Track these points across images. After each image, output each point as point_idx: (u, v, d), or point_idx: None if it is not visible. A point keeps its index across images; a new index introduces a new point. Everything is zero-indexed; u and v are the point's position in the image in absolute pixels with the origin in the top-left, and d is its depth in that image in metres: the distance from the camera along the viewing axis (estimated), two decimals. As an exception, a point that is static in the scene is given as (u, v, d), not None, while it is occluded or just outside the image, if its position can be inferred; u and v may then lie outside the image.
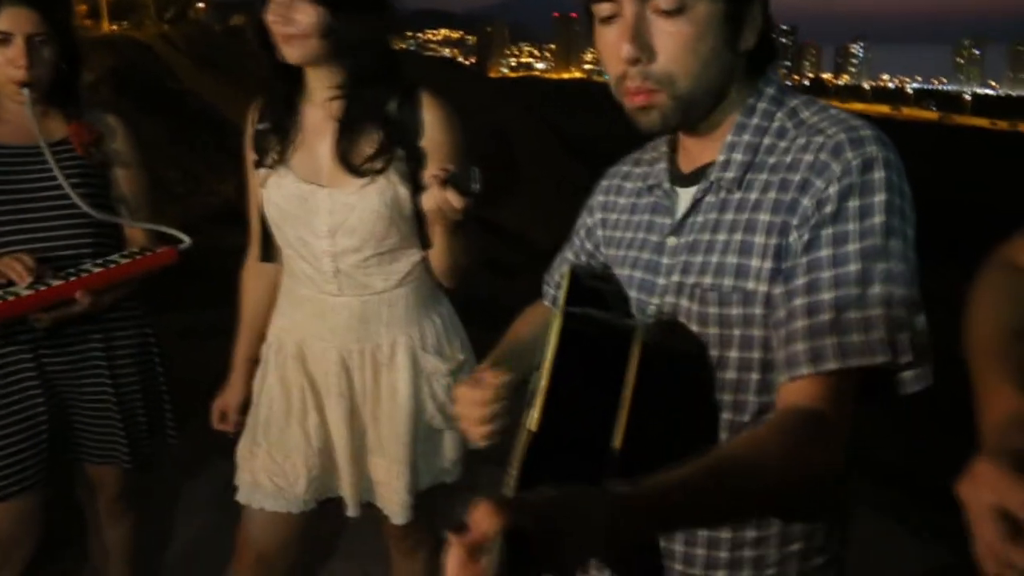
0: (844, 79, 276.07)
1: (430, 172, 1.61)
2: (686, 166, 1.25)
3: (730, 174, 1.16)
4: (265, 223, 2.01)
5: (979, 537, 0.72)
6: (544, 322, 1.27)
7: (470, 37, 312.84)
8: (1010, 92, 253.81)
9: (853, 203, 1.07)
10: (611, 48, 1.13)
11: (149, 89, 21.86)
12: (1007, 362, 0.91)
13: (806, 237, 1.09)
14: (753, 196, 1.14)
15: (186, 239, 2.12)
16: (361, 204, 1.84)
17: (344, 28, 1.76)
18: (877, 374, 1.07)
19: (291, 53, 1.78)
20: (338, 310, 1.94)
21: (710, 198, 1.18)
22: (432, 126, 1.86)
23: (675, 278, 1.20)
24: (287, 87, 1.90)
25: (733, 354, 1.15)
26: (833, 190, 1.07)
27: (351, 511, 2.02)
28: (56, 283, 1.95)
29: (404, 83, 1.88)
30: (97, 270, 2.03)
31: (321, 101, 1.88)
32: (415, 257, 1.95)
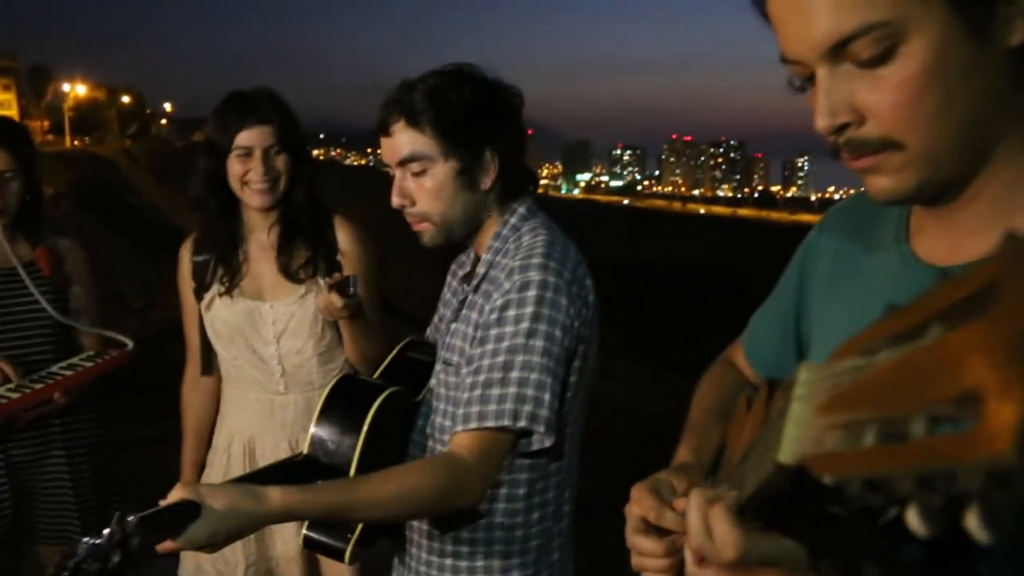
0: (792, 191, 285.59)
1: (325, 279, 1.97)
2: (476, 270, 1.73)
3: (475, 282, 1.67)
4: (205, 340, 2.31)
5: (628, 537, 1.01)
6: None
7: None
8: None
9: (510, 312, 1.52)
10: None
11: (109, 203, 21.94)
12: (693, 433, 1.19)
13: (479, 334, 1.57)
14: (477, 299, 1.64)
15: (129, 343, 2.42)
16: (300, 311, 2.20)
17: (302, 172, 2.19)
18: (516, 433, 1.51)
19: (265, 200, 2.15)
20: (286, 406, 2.25)
21: (470, 297, 1.68)
22: (344, 242, 2.26)
23: (443, 352, 1.71)
24: (232, 225, 2.24)
25: (451, 408, 1.64)
26: (499, 301, 1.54)
27: None
28: (39, 386, 2.24)
29: (322, 208, 2.27)
30: (69, 373, 2.32)
31: (260, 232, 2.24)
32: (342, 357, 2.28)
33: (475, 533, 1.63)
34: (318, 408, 1.64)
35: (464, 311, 1.68)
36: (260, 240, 2.24)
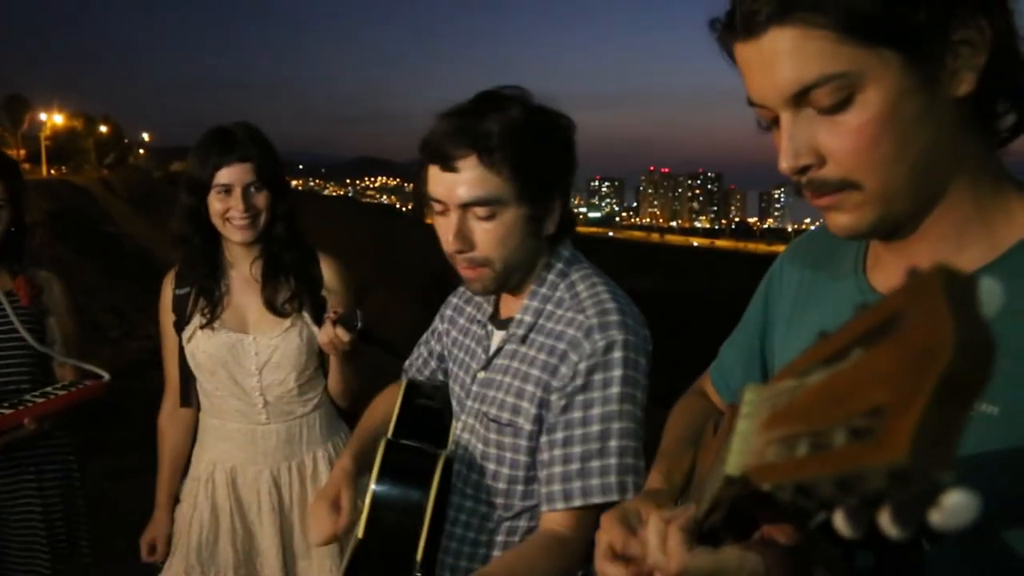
0: (769, 222, 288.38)
1: (327, 314, 1.96)
2: (503, 313, 1.63)
3: (520, 331, 1.54)
4: (184, 372, 2.32)
5: (596, 563, 1.04)
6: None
7: (407, 184, 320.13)
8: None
9: (598, 376, 1.42)
10: (442, 234, 1.50)
11: (86, 232, 21.80)
12: (664, 460, 1.21)
13: (563, 402, 1.45)
14: (532, 352, 1.51)
15: (105, 375, 2.42)
16: (284, 344, 2.22)
17: (281, 207, 2.20)
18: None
19: (246, 235, 2.17)
20: (268, 436, 2.28)
21: (508, 346, 1.56)
22: (328, 277, 2.29)
23: (475, 404, 1.59)
24: (214, 258, 2.26)
25: (504, 470, 1.54)
26: (583, 365, 1.43)
27: None
28: (8, 412, 2.23)
29: (304, 243, 2.30)
30: (41, 400, 2.30)
31: (243, 265, 2.27)
32: (322, 385, 2.33)
33: None
34: (372, 486, 1.50)
35: (503, 361, 1.56)
36: (243, 273, 2.27)
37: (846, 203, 0.88)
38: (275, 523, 2.26)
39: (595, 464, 1.42)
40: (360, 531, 1.50)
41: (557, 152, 1.48)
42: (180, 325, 2.28)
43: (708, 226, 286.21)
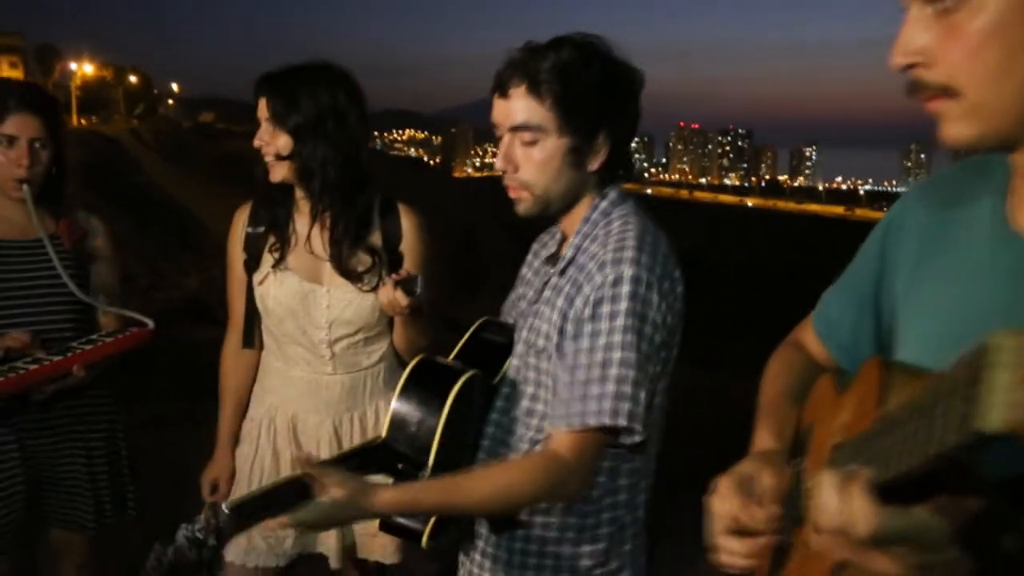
0: (800, 181, 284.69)
1: (392, 275, 1.95)
2: (561, 251, 1.72)
3: (562, 265, 1.66)
4: (250, 313, 2.27)
5: (713, 533, 1.02)
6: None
7: (435, 137, 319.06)
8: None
9: (605, 308, 1.52)
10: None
11: (115, 182, 21.95)
12: (772, 416, 1.21)
13: (573, 330, 1.57)
14: (563, 284, 1.63)
15: (150, 322, 2.35)
16: (359, 300, 2.17)
17: (312, 152, 2.08)
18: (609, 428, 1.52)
19: (273, 175, 2.13)
20: (332, 386, 2.24)
21: (552, 279, 1.68)
22: (409, 233, 2.22)
23: (526, 333, 1.70)
24: (284, 197, 2.20)
25: (541, 392, 1.65)
26: (592, 296, 1.54)
27: (335, 563, 2.25)
28: (56, 358, 2.18)
29: (381, 195, 2.21)
30: (89, 347, 2.25)
31: (307, 212, 2.18)
32: (388, 338, 2.28)
33: (548, 518, 1.64)
34: (397, 392, 1.65)
35: (547, 293, 1.68)
36: (310, 219, 2.19)
37: (949, 112, 0.87)
38: None
39: (594, 390, 1.52)
40: (384, 431, 1.65)
41: (608, 94, 1.58)
42: (252, 266, 2.22)
43: (737, 183, 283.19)
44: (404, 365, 2.25)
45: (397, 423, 1.64)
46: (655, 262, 1.55)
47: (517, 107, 1.58)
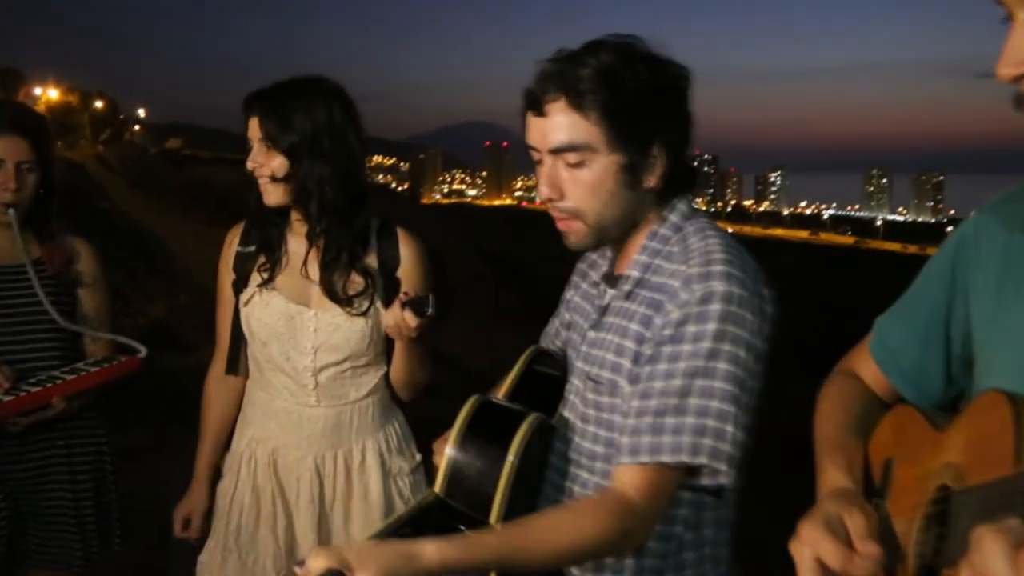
0: (765, 205, 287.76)
1: (399, 295, 1.83)
2: (617, 270, 1.53)
3: (627, 287, 1.45)
4: (236, 337, 2.16)
5: None
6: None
7: (403, 164, 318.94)
8: (916, 218, 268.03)
9: (690, 328, 1.31)
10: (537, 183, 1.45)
11: (80, 208, 21.67)
12: (838, 452, 1.12)
13: (650, 352, 1.36)
14: (634, 307, 1.43)
15: (142, 349, 2.25)
16: (347, 325, 2.04)
17: (309, 172, 1.97)
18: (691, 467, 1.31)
19: (267, 198, 2.02)
20: (315, 420, 2.09)
21: (615, 303, 1.47)
22: (408, 259, 2.10)
23: (582, 364, 1.50)
24: (278, 218, 2.09)
25: (603, 432, 1.44)
26: (676, 315, 1.33)
27: None
28: (35, 389, 2.09)
29: (378, 218, 2.11)
30: (70, 377, 2.15)
31: (301, 233, 2.08)
32: (382, 371, 2.13)
33: (620, 574, 1.43)
34: (453, 439, 1.42)
35: (609, 318, 1.47)
36: (303, 240, 2.08)
37: None
38: (313, 516, 2.08)
39: (669, 420, 1.30)
40: (437, 487, 1.42)
41: (658, 99, 1.38)
42: (239, 285, 2.11)
43: (704, 208, 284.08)
44: (398, 401, 2.20)
45: (454, 476, 1.41)
46: (747, 276, 1.34)
47: (557, 125, 1.37)
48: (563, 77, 1.35)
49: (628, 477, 1.32)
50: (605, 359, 1.44)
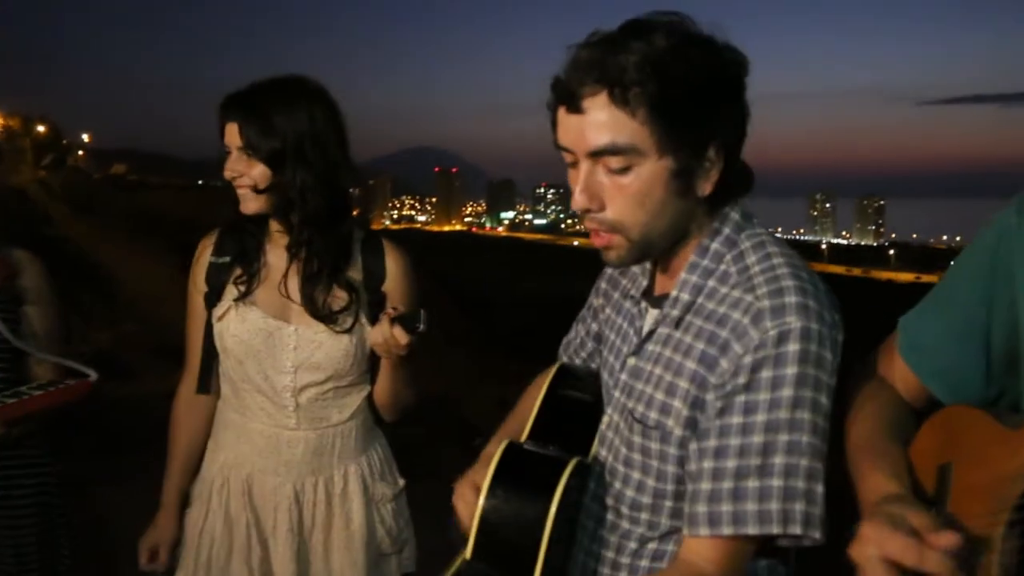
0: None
1: (385, 310, 1.74)
2: (658, 288, 1.35)
3: (675, 312, 1.26)
4: (208, 355, 2.02)
5: None
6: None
7: (354, 190, 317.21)
8: (859, 242, 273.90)
9: (766, 374, 1.13)
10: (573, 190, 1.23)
11: (23, 235, 21.21)
12: (881, 457, 1.07)
13: (720, 403, 1.17)
14: (688, 339, 1.23)
15: (92, 373, 2.02)
16: (330, 342, 1.91)
17: (292, 181, 1.84)
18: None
19: (246, 206, 1.87)
20: (294, 443, 1.96)
21: (662, 329, 1.28)
22: (394, 273, 1.98)
23: (622, 397, 1.32)
24: (254, 226, 1.96)
25: (650, 481, 1.27)
26: (749, 360, 1.14)
27: None
28: None
29: (362, 229, 1.99)
30: (12, 401, 1.91)
31: (280, 244, 1.96)
32: (365, 391, 2.02)
33: None
34: (484, 493, 1.24)
35: (655, 347, 1.28)
36: (283, 251, 1.96)
37: None
38: (291, 547, 1.95)
39: (752, 484, 1.13)
40: (468, 551, 1.25)
41: (715, 91, 1.17)
42: (213, 299, 1.96)
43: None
44: (382, 423, 2.10)
45: (487, 534, 1.24)
46: (823, 307, 1.16)
47: (598, 124, 1.16)
48: (604, 66, 1.14)
49: (704, 549, 1.16)
50: (653, 398, 1.25)
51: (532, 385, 1.57)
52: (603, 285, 1.52)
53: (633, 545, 1.30)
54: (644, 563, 1.30)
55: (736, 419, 1.15)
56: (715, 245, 1.25)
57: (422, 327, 1.65)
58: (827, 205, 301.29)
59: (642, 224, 1.20)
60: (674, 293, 1.27)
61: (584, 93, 1.16)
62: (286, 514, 1.95)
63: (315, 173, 1.85)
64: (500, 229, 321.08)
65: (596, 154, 1.18)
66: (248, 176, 1.84)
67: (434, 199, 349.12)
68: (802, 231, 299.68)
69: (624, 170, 1.17)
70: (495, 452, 1.27)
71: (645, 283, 1.37)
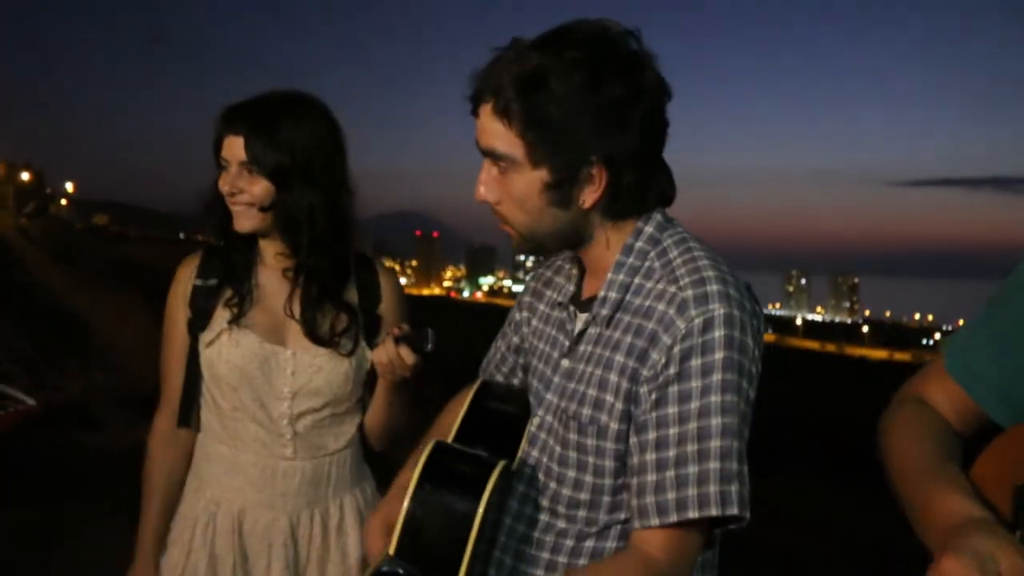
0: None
1: (387, 330, 1.71)
2: (586, 292, 1.40)
3: (605, 311, 1.31)
4: (190, 385, 1.90)
5: None
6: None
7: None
8: (834, 318, 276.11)
9: (695, 362, 1.19)
10: None
11: (-3, 281, 21.05)
12: (949, 479, 1.03)
13: (655, 395, 1.22)
14: (617, 335, 1.28)
15: (30, 400, 2.01)
16: (330, 367, 1.84)
17: (298, 200, 1.78)
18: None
19: (241, 224, 1.81)
20: (290, 474, 1.87)
21: (592, 329, 1.33)
22: (389, 294, 1.94)
23: (555, 398, 1.36)
24: (244, 245, 1.89)
25: (587, 477, 1.30)
26: (677, 349, 1.20)
27: None
28: None
29: (358, 253, 1.94)
30: None
31: (275, 265, 1.89)
32: (359, 418, 1.95)
33: None
34: (411, 491, 1.25)
35: (587, 347, 1.33)
36: (275, 273, 1.89)
37: None
38: None
39: (691, 470, 1.17)
40: (391, 547, 1.25)
41: (597, 110, 1.20)
42: (199, 324, 1.85)
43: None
44: (372, 452, 2.00)
45: (411, 532, 1.24)
46: (742, 295, 1.23)
47: (484, 128, 1.26)
48: (490, 77, 1.23)
49: (654, 538, 1.21)
50: (587, 394, 1.29)
51: (453, 400, 1.60)
52: (527, 299, 1.56)
53: (570, 543, 1.33)
54: (583, 561, 1.32)
55: (672, 409, 1.20)
56: (639, 243, 1.31)
57: (431, 346, 1.60)
58: (802, 281, 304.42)
59: (525, 225, 1.30)
60: (602, 293, 1.32)
61: (480, 99, 1.26)
62: (281, 550, 1.86)
63: (322, 192, 1.80)
64: (478, 295, 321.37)
65: (486, 155, 1.28)
66: (248, 193, 1.78)
67: (414, 263, 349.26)
68: (779, 305, 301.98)
69: (506, 172, 1.27)
70: (422, 453, 1.30)
71: (572, 289, 1.43)
